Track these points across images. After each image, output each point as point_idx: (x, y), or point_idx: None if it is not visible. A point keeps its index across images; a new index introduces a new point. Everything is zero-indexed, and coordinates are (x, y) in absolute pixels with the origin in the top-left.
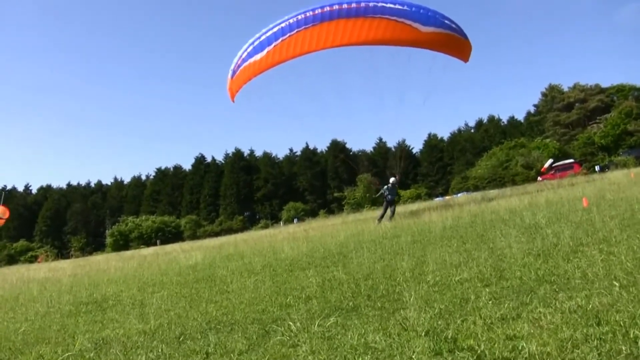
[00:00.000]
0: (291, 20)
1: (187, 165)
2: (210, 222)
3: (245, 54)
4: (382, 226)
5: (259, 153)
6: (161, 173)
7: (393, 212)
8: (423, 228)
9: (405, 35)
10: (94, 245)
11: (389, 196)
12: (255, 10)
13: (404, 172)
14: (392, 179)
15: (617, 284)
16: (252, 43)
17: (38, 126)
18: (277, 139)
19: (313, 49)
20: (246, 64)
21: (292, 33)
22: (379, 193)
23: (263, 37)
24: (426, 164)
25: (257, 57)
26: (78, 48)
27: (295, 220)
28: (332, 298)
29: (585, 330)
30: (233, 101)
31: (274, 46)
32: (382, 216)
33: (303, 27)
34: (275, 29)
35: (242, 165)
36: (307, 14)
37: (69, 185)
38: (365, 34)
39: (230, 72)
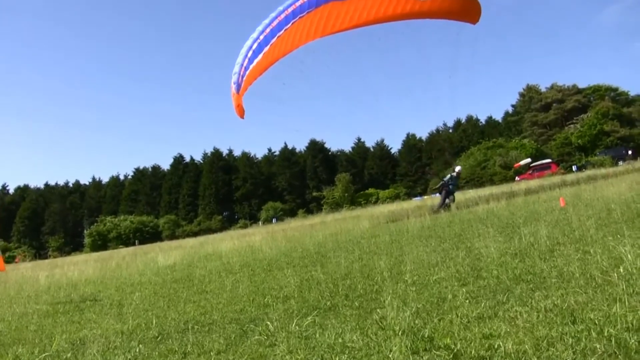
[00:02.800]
0: (281, 17)
1: (165, 165)
2: (189, 222)
3: (247, 60)
4: (443, 215)
5: (237, 153)
6: (140, 173)
7: (451, 202)
8: (401, 228)
9: (402, 7)
10: (72, 245)
11: (451, 185)
12: (232, 8)
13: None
14: (457, 167)
15: (592, 283)
16: (251, 47)
17: (15, 126)
18: (256, 138)
19: (312, 38)
20: (248, 71)
21: (287, 26)
22: (440, 183)
23: (261, 38)
24: (405, 163)
25: (258, 59)
26: (57, 46)
27: (274, 220)
28: (310, 298)
29: (560, 329)
30: (243, 117)
31: (270, 45)
32: (442, 205)
33: (299, 17)
34: (273, 24)
35: (220, 165)
36: (296, 5)
37: (46, 185)
38: (359, 14)
39: (234, 86)
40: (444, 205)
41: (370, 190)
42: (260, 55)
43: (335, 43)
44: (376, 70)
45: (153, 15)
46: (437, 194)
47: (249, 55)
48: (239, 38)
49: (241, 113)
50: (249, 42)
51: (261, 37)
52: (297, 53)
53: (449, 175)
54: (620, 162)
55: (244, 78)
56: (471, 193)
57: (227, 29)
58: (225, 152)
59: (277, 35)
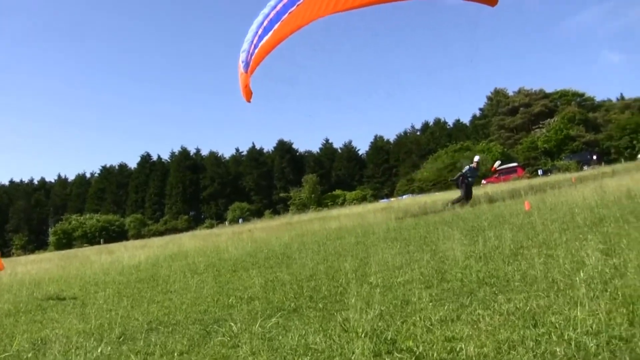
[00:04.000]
0: None
1: (132, 164)
2: (155, 221)
3: (257, 37)
4: (464, 209)
5: (205, 152)
6: (106, 171)
7: (461, 199)
8: (367, 230)
9: None
10: (36, 243)
11: (470, 178)
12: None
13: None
14: (476, 157)
15: (555, 287)
16: (262, 23)
17: None
18: (224, 138)
19: (324, 13)
20: (258, 49)
21: (300, 2)
22: (458, 175)
23: (272, 14)
24: (372, 165)
25: (268, 36)
26: (21, 40)
27: (240, 221)
28: (274, 299)
29: (522, 332)
30: (249, 100)
31: (281, 21)
32: (462, 198)
33: None
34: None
35: (188, 164)
36: None
37: (11, 182)
38: None
39: (241, 65)
40: (461, 200)
41: (337, 192)
42: (271, 33)
43: (302, 42)
44: (347, 68)
45: (124, 6)
46: (404, 196)
47: (259, 32)
48: (213, 35)
49: (248, 95)
50: (259, 18)
51: (272, 13)
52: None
53: (467, 167)
54: (585, 167)
55: (253, 56)
56: (438, 196)
57: (202, 25)
58: (192, 151)
59: (289, 11)
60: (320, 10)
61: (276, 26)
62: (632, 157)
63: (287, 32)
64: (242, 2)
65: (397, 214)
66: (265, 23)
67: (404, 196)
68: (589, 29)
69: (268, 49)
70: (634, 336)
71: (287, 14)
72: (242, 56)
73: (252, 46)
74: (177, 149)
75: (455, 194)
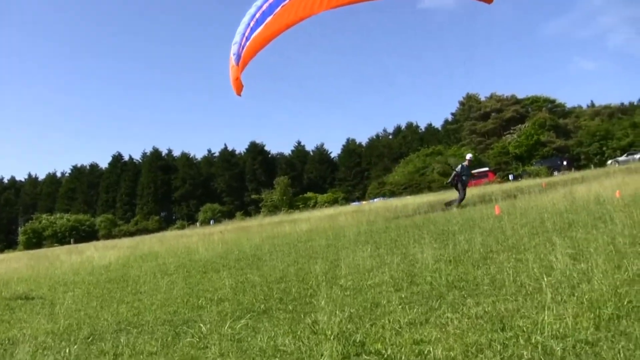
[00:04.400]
0: None
1: (104, 164)
2: (126, 221)
3: (249, 30)
4: (455, 211)
5: (177, 153)
6: (77, 171)
7: (461, 199)
8: (338, 232)
9: None
10: (6, 242)
11: (464, 176)
12: (175, 6)
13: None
14: (468, 155)
15: (523, 291)
16: (254, 15)
17: None
18: (196, 139)
19: (317, 10)
20: (250, 41)
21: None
22: (452, 175)
23: (265, 6)
24: (344, 168)
25: (260, 29)
26: None
27: (211, 222)
28: (244, 300)
29: (490, 336)
30: (240, 94)
31: (274, 15)
32: (461, 199)
33: None
34: None
35: (159, 164)
36: None
37: None
38: None
39: (233, 58)
40: (456, 202)
41: (309, 194)
42: (263, 26)
43: (275, 45)
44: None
45: (94, 8)
46: (376, 199)
47: (252, 24)
48: (186, 36)
49: (239, 88)
50: (252, 10)
51: (265, 5)
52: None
53: (460, 165)
54: (556, 173)
55: (245, 48)
56: (409, 199)
57: (174, 26)
58: (164, 151)
59: (282, 4)
60: (314, 6)
61: (269, 19)
62: (602, 164)
63: (281, 28)
64: (213, 3)
65: (368, 217)
66: (257, 15)
67: (376, 199)
68: (562, 35)
69: (260, 44)
70: (600, 340)
71: (280, 7)
72: (234, 48)
73: (244, 39)
74: (149, 150)
75: (433, 196)
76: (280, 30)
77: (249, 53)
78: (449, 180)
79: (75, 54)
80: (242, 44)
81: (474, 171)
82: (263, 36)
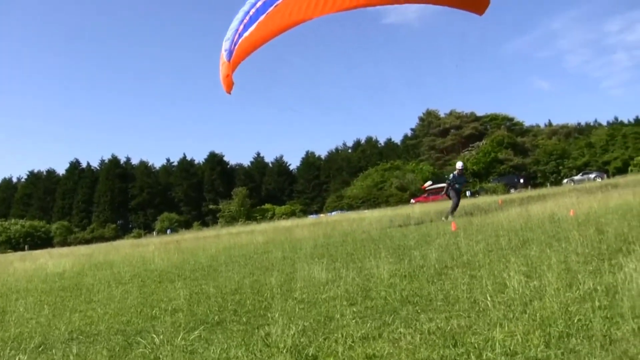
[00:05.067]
0: None
1: (61, 170)
2: (82, 229)
3: (242, 26)
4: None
5: (135, 161)
6: (33, 176)
7: (454, 207)
8: (295, 245)
9: None
10: None
11: (457, 185)
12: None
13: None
14: (459, 163)
15: (476, 307)
16: (248, 12)
17: None
18: (155, 147)
19: (312, 15)
20: (242, 39)
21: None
22: (446, 185)
23: (259, 3)
24: (302, 180)
25: (253, 27)
26: None
27: (168, 231)
28: (198, 311)
29: (441, 352)
30: (230, 92)
31: (266, 14)
32: (454, 208)
33: None
34: None
35: (117, 172)
36: None
37: None
38: None
39: (224, 54)
40: (449, 211)
41: (267, 206)
42: (256, 25)
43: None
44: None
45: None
46: (333, 212)
47: (245, 21)
48: (148, 41)
49: (229, 86)
50: (245, 7)
51: (259, 3)
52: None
53: (451, 175)
54: (512, 190)
55: (237, 45)
56: (367, 213)
57: (136, 30)
58: (123, 159)
59: (275, 4)
60: (308, 10)
61: (262, 18)
62: (558, 182)
63: (275, 31)
64: (179, 8)
65: (325, 230)
66: (251, 12)
67: (333, 212)
68: (522, 55)
69: (253, 45)
70: (549, 357)
71: (273, 7)
72: (226, 44)
73: (237, 35)
74: (107, 157)
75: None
76: (275, 33)
77: (241, 53)
78: (444, 191)
79: (34, 56)
80: (235, 40)
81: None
82: (257, 37)
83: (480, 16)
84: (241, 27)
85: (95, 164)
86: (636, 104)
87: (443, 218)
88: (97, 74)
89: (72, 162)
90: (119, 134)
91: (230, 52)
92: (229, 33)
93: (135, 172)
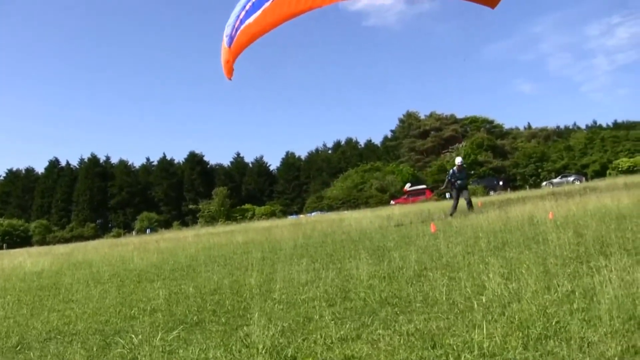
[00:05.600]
0: None
1: (40, 168)
2: (61, 227)
3: (244, 12)
4: (452, 222)
5: (115, 160)
6: (12, 174)
7: (469, 202)
8: (274, 245)
9: None
10: None
11: (458, 181)
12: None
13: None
14: (458, 159)
15: (455, 309)
16: None
17: None
18: (135, 146)
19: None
20: (244, 25)
21: None
22: (445, 184)
23: None
24: (282, 181)
25: (257, 14)
26: None
27: (148, 231)
28: (177, 311)
29: (420, 353)
30: (230, 77)
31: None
32: (455, 207)
33: None
34: None
35: (97, 171)
36: None
37: None
38: None
39: (225, 40)
40: (457, 207)
41: (247, 206)
42: (260, 11)
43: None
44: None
45: (32, 10)
46: (313, 213)
47: (248, 7)
48: (127, 40)
49: (229, 72)
50: None
51: None
52: None
53: (450, 171)
54: (492, 192)
55: (238, 31)
56: (346, 214)
57: (115, 29)
58: (102, 158)
59: None
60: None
61: (267, 4)
62: (537, 185)
63: (278, 20)
64: (154, 6)
65: (304, 231)
66: None
67: (313, 213)
68: (503, 58)
69: (255, 35)
70: (527, 359)
71: None
72: (227, 30)
73: (238, 21)
74: (86, 156)
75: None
76: (278, 22)
77: (243, 40)
78: (444, 186)
79: (13, 55)
80: (236, 26)
81: (412, 188)
82: (260, 25)
83: (492, 9)
84: (243, 13)
85: (74, 162)
86: (615, 107)
87: (443, 216)
88: (77, 73)
89: (51, 160)
90: (98, 133)
91: (231, 38)
92: (231, 19)
93: (114, 171)
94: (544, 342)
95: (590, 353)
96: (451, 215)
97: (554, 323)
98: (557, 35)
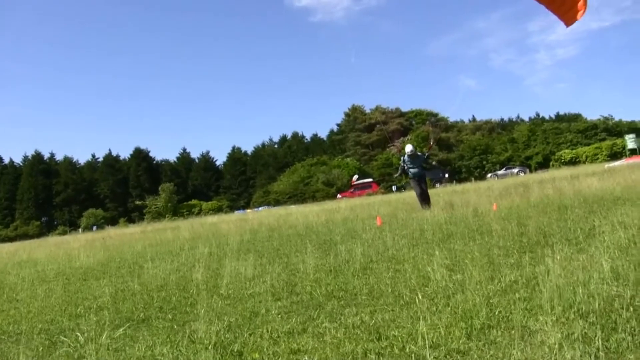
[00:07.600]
0: None
1: None
2: (5, 226)
3: None
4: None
5: (59, 157)
6: None
7: (425, 197)
8: (221, 240)
9: None
10: None
11: (411, 169)
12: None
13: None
14: (408, 147)
15: (400, 301)
16: None
17: None
18: (79, 143)
19: None
20: None
21: None
22: (399, 172)
23: None
24: (229, 176)
25: None
26: None
27: (94, 228)
28: (123, 309)
29: (365, 345)
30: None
31: None
32: (420, 199)
33: None
34: None
35: (41, 168)
36: None
37: None
38: None
39: None
40: (422, 201)
41: (194, 202)
42: None
43: (159, 45)
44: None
45: None
46: (260, 208)
47: None
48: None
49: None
50: None
51: None
52: None
53: (402, 158)
54: (437, 185)
55: None
56: (293, 208)
57: (63, 24)
58: (47, 155)
59: None
60: None
61: None
62: (482, 177)
63: None
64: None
65: (251, 226)
66: None
67: (260, 208)
68: (449, 53)
69: None
70: (471, 349)
71: None
72: None
73: None
74: (30, 153)
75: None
76: None
77: None
78: (398, 173)
79: None
80: None
81: (358, 181)
82: None
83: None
84: None
85: (18, 160)
86: (556, 100)
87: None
88: (19, 68)
89: None
90: (42, 129)
91: None
92: None
93: (59, 168)
94: (487, 331)
95: (532, 341)
96: (422, 208)
97: (497, 313)
98: (500, 31)
